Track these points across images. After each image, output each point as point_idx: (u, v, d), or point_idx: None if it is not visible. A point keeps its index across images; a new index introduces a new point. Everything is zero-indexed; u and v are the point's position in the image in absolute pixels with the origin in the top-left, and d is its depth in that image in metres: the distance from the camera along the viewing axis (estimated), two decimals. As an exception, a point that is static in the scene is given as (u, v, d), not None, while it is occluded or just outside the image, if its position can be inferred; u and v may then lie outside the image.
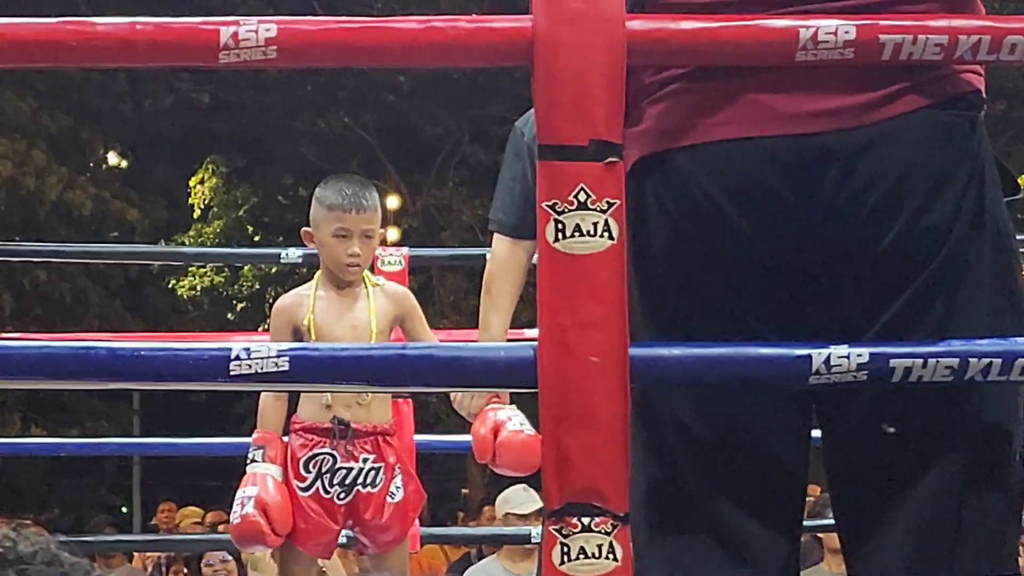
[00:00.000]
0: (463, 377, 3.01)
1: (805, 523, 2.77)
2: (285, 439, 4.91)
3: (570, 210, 2.47)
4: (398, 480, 4.96)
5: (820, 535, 6.46)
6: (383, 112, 19.14)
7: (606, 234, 2.47)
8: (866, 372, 2.47)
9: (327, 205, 4.79)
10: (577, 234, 2.46)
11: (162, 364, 2.71)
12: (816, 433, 2.68)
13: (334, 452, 4.88)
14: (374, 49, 2.70)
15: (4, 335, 10.08)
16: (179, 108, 19.38)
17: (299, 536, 4.87)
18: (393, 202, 18.25)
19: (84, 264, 16.42)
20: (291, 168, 20.23)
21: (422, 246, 11.59)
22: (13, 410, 16.51)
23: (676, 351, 2.55)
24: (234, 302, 19.58)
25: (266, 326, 5.68)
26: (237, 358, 2.53)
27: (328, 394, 4.80)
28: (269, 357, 2.54)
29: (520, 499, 7.58)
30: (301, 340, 4.68)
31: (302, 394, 4.83)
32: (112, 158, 19.70)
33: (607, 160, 2.47)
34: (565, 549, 2.45)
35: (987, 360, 2.48)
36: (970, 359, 2.47)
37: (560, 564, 2.43)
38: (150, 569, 9.12)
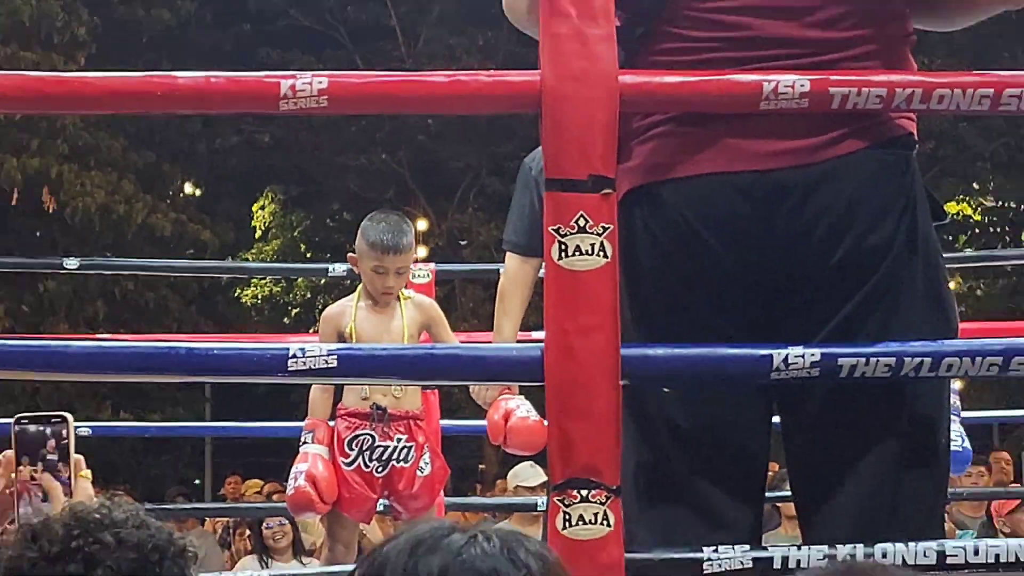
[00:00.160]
0: (480, 372, 3.03)
1: (766, 494, 2.76)
2: (331, 423, 4.91)
3: (572, 233, 2.47)
4: (426, 457, 4.95)
5: (779, 504, 6.41)
6: (414, 150, 19.16)
7: (601, 254, 2.47)
8: (818, 369, 2.48)
9: (369, 243, 4.76)
10: (577, 253, 2.47)
11: (231, 361, 2.73)
12: (776, 420, 2.69)
13: (373, 433, 4.88)
14: (408, 98, 2.71)
15: (98, 336, 10.07)
16: (244, 146, 19.42)
17: (343, 504, 4.86)
18: (422, 225, 18.21)
19: (165, 276, 16.42)
20: (337, 196, 20.24)
21: (446, 262, 11.57)
22: (105, 399, 16.50)
23: (660, 351, 2.56)
24: (289, 308, 19.55)
25: (315, 329, 5.66)
26: (294, 356, 2.55)
27: (367, 387, 4.79)
28: (321, 355, 2.55)
29: (528, 474, 7.57)
30: (344, 343, 4.67)
31: (346, 386, 4.82)
32: (188, 188, 19.71)
33: (603, 192, 2.48)
34: (567, 516, 2.45)
35: (919, 359, 2.49)
36: (905, 358, 2.48)
37: (563, 529, 2.44)
38: (219, 532, 9.10)
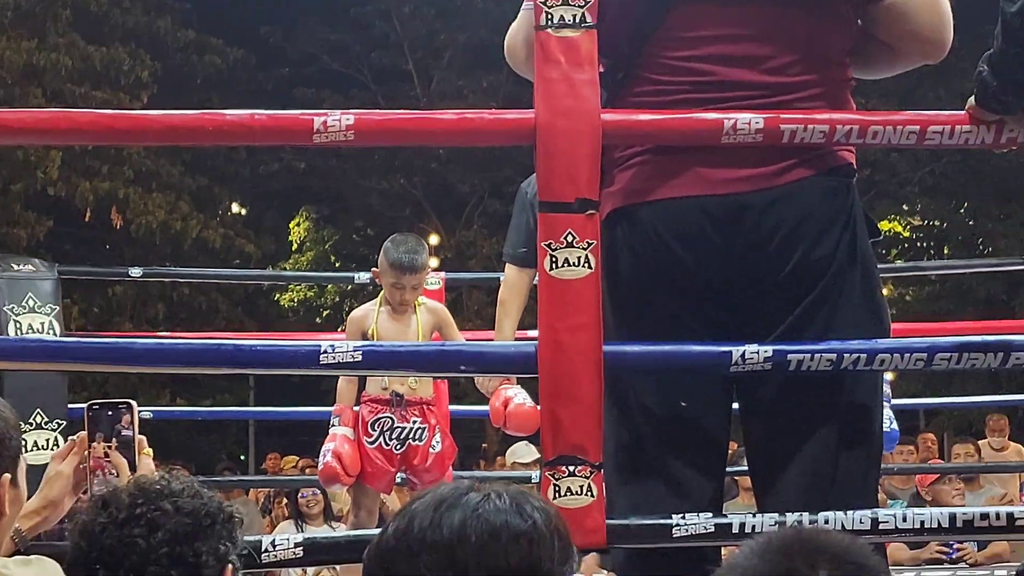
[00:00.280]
0: (484, 366, 3.04)
1: (727, 469, 2.76)
2: (356, 409, 4.91)
3: (561, 248, 2.47)
4: (438, 437, 4.95)
5: (737, 478, 6.39)
6: (427, 175, 19.13)
7: (587, 265, 2.48)
8: (770, 363, 2.48)
9: (390, 263, 4.76)
10: (566, 265, 2.47)
11: (272, 356, 2.73)
12: (736, 406, 2.68)
13: (392, 416, 4.88)
14: (422, 132, 2.72)
15: (159, 334, 10.06)
16: (283, 172, 19.36)
17: (367, 477, 4.86)
18: (434, 239, 18.18)
19: (215, 283, 16.44)
20: (362, 215, 20.20)
21: (455, 271, 11.59)
22: (164, 387, 16.48)
23: (637, 348, 2.56)
24: (321, 311, 19.50)
25: (343, 328, 5.65)
26: (325, 352, 2.55)
27: (387, 378, 4.79)
28: (348, 351, 2.55)
29: (523, 452, 7.57)
30: (368, 341, 4.67)
31: (368, 377, 4.82)
32: (235, 207, 19.68)
33: (588, 212, 2.49)
34: (557, 488, 2.45)
35: (856, 355, 2.49)
36: (844, 354, 2.49)
37: (553, 499, 2.43)
38: (261, 501, 9.07)
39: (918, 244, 19.34)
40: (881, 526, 2.49)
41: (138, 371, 2.92)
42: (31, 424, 5.36)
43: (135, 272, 6.45)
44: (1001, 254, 16.23)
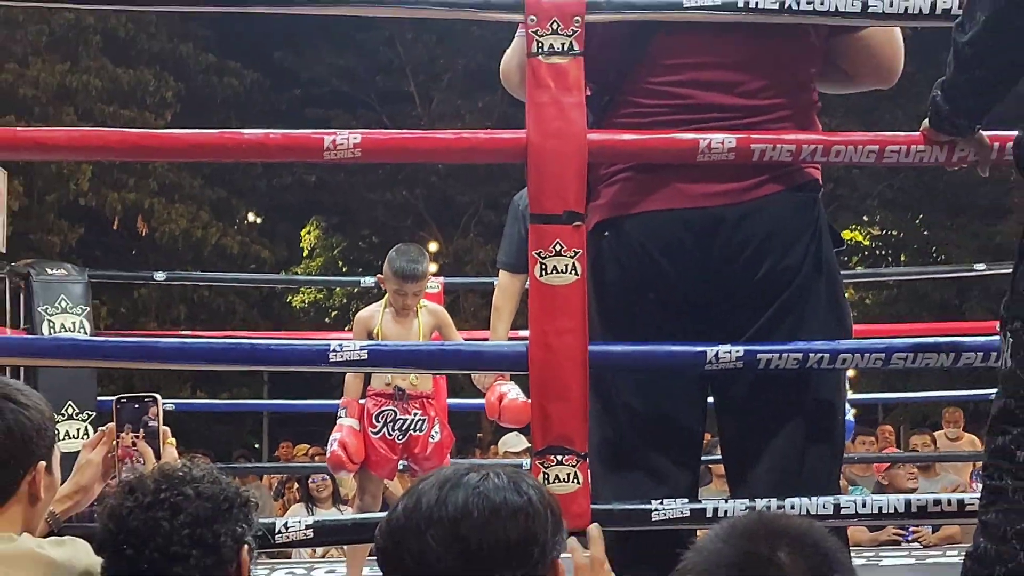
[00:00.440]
0: (479, 363, 3.05)
1: (702, 458, 2.76)
2: (361, 402, 4.91)
3: (550, 256, 2.47)
4: (436, 427, 4.94)
5: (711, 466, 6.40)
6: (428, 188, 19.10)
7: (574, 272, 2.47)
8: (742, 362, 2.48)
9: (393, 271, 4.75)
10: (555, 272, 2.47)
11: (285, 353, 2.72)
12: (710, 401, 2.68)
13: (395, 409, 4.87)
14: (423, 150, 2.71)
15: (181, 333, 10.04)
16: (295, 185, 19.33)
17: (371, 464, 4.85)
18: (433, 247, 18.15)
19: (232, 286, 16.43)
20: (368, 224, 20.17)
21: (453, 276, 11.58)
22: (185, 381, 16.45)
23: (619, 348, 2.56)
24: (329, 311, 19.46)
25: (350, 328, 5.64)
26: (334, 350, 2.54)
27: (390, 374, 4.79)
28: (355, 350, 2.55)
29: (513, 442, 7.58)
30: (373, 340, 4.66)
31: (373, 373, 4.82)
32: (251, 217, 19.65)
33: (575, 224, 2.48)
34: (546, 475, 2.45)
35: (820, 355, 2.49)
36: (809, 354, 2.48)
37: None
38: (274, 486, 9.06)
39: (877, 252, 19.35)
40: (843, 511, 2.49)
41: (162, 368, 2.91)
42: (64, 415, 5.36)
43: (159, 276, 6.45)
44: (953, 262, 16.25)
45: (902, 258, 18.96)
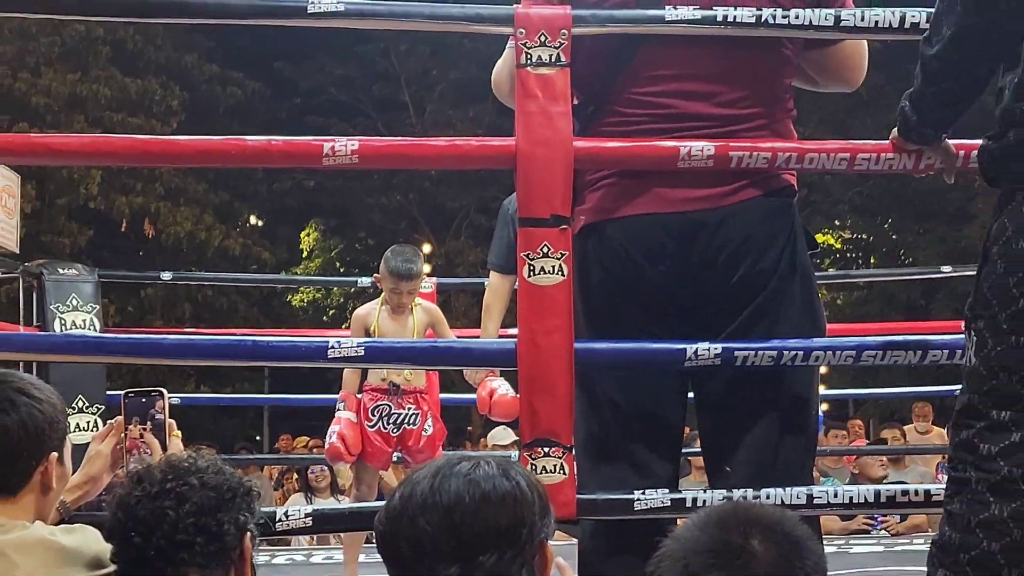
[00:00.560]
0: (471, 360, 3.04)
1: (682, 451, 2.76)
2: (358, 396, 4.90)
3: (538, 258, 2.47)
4: (429, 421, 4.94)
5: (690, 457, 6.41)
6: (422, 193, 19.10)
7: (560, 273, 2.47)
8: (720, 359, 2.48)
9: (389, 270, 4.75)
10: (542, 273, 2.47)
11: (285, 350, 2.72)
12: (690, 396, 2.68)
13: (390, 403, 4.87)
14: (417, 157, 2.72)
15: (185, 331, 10.02)
16: (295, 189, 19.30)
17: (367, 456, 4.85)
18: (427, 248, 18.16)
19: (235, 286, 16.40)
20: (364, 227, 20.16)
21: (445, 277, 11.57)
22: (190, 376, 16.43)
23: (603, 346, 2.56)
24: (327, 310, 19.45)
25: (347, 326, 5.64)
26: (332, 347, 2.54)
27: (386, 369, 4.79)
28: (352, 347, 2.54)
29: (501, 435, 7.59)
30: (370, 337, 4.66)
31: (370, 369, 4.82)
32: (253, 219, 19.62)
33: (561, 227, 2.48)
34: (533, 467, 2.45)
35: (794, 352, 2.49)
36: (784, 351, 2.48)
37: (530, 477, 2.42)
38: (275, 477, 9.04)
39: (848, 255, 19.38)
40: (815, 501, 2.50)
41: (168, 363, 2.91)
42: (74, 408, 5.35)
43: (165, 276, 6.44)
44: (920, 264, 16.30)
45: (872, 260, 18.98)
